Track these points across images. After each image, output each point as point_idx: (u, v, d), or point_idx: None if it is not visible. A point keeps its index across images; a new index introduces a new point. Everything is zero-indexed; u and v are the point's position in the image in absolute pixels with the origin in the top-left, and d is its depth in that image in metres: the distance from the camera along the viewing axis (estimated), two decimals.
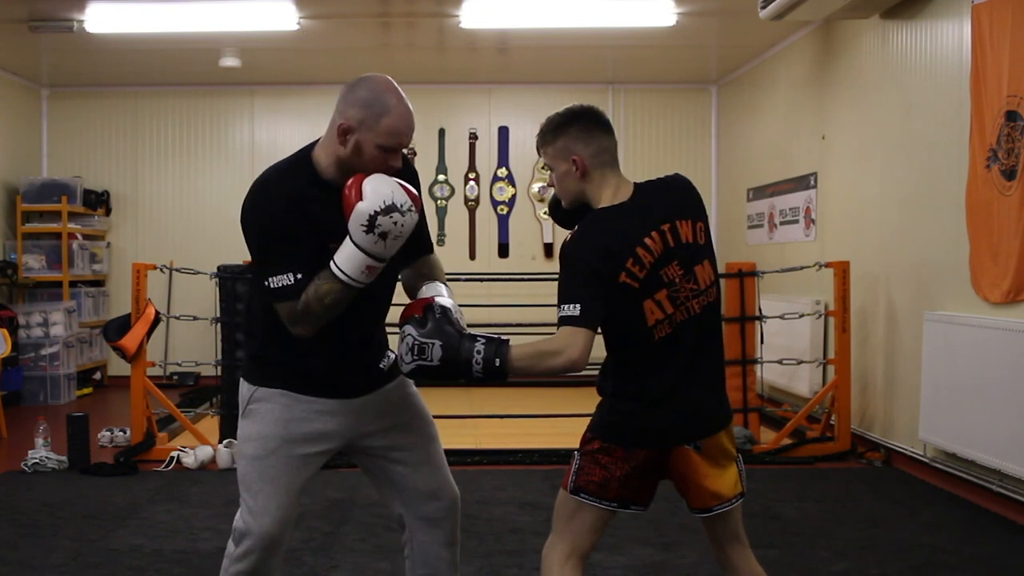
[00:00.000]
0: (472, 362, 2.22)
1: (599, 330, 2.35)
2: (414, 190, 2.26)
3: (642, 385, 2.34)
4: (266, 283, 2.27)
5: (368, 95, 2.27)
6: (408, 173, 2.41)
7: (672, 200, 2.39)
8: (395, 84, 2.32)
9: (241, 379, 2.48)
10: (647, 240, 2.30)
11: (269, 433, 2.37)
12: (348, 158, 2.28)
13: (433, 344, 2.22)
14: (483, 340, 2.24)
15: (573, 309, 2.23)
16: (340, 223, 2.22)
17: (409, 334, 2.24)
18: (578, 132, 2.39)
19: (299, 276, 2.23)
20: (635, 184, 2.41)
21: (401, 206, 2.19)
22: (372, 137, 2.25)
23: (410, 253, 2.47)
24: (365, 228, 2.17)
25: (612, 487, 2.36)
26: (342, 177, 2.28)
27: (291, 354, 2.37)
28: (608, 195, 2.37)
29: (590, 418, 2.46)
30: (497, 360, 2.22)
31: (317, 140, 2.38)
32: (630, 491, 2.38)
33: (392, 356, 2.46)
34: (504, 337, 2.28)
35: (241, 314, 6.04)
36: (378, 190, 2.19)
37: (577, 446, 2.45)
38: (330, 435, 2.42)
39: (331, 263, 2.21)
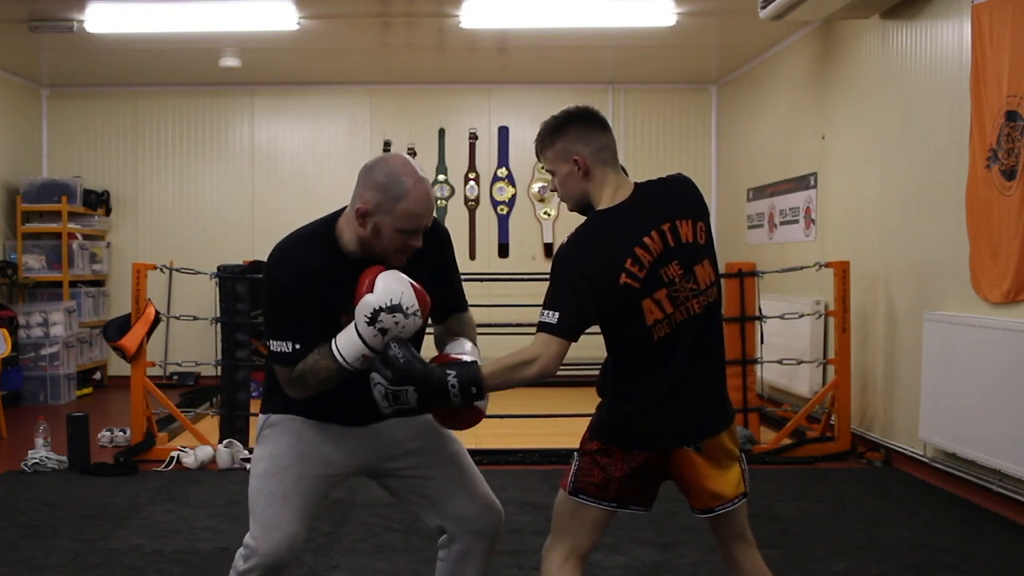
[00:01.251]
0: (450, 395, 2.24)
1: (601, 331, 2.35)
2: (425, 295, 2.27)
3: (642, 386, 2.33)
4: (268, 343, 2.36)
5: (384, 179, 2.27)
6: (436, 234, 2.44)
7: (673, 199, 2.38)
8: (413, 165, 2.32)
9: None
10: (646, 240, 2.30)
11: (281, 452, 2.40)
12: (368, 239, 2.30)
13: (406, 390, 2.24)
14: (453, 372, 2.24)
15: (551, 316, 2.25)
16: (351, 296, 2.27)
17: (379, 383, 2.25)
18: (577, 132, 2.38)
19: (298, 347, 2.31)
20: (635, 184, 2.40)
21: (407, 308, 2.23)
22: (391, 221, 2.27)
23: (442, 309, 2.50)
24: (367, 320, 2.21)
25: (612, 488, 2.36)
26: (364, 253, 2.32)
27: (305, 404, 2.42)
28: (608, 195, 2.36)
29: (590, 418, 2.46)
30: (473, 387, 2.24)
31: (344, 208, 2.39)
32: (630, 492, 2.37)
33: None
34: (469, 359, 2.31)
35: (242, 313, 6.05)
36: (389, 287, 2.22)
37: (577, 447, 2.44)
38: (342, 460, 2.44)
39: (332, 342, 2.26)
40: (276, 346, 2.34)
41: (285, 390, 2.36)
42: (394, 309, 2.21)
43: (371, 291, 2.22)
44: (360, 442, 2.45)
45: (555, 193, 2.49)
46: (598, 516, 2.40)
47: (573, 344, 2.29)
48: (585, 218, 2.40)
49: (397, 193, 2.25)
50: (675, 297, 2.32)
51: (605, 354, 2.43)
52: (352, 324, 2.24)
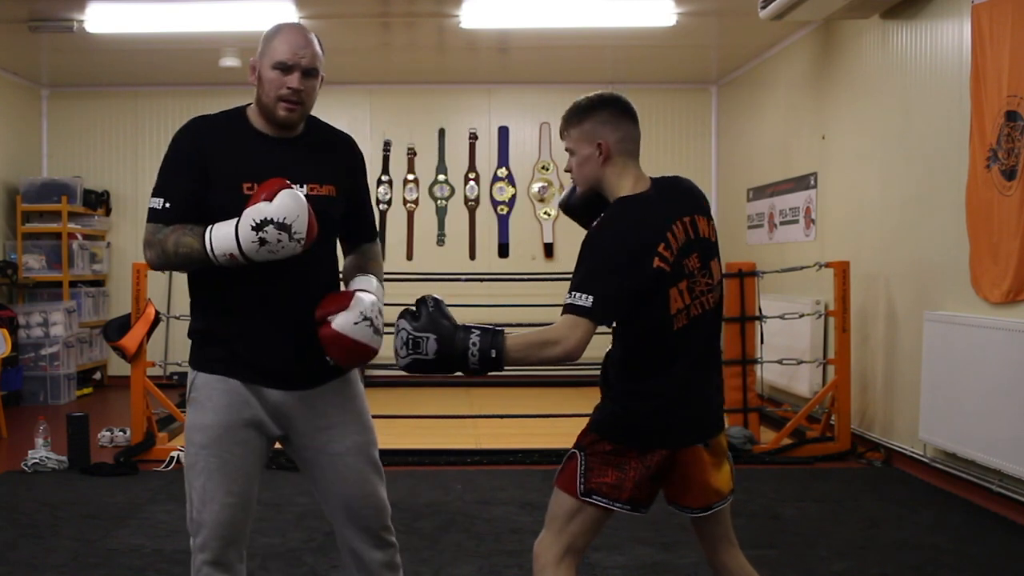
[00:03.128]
0: (468, 354, 2.20)
1: (617, 322, 2.32)
2: (315, 227, 2.26)
3: (658, 382, 2.32)
4: (148, 202, 2.37)
5: (267, 32, 2.40)
6: (352, 149, 2.51)
7: (688, 195, 2.42)
8: (298, 23, 2.42)
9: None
10: (675, 227, 2.31)
11: (211, 421, 2.36)
12: (257, 94, 2.36)
13: (428, 338, 2.20)
14: (478, 331, 2.22)
15: (584, 300, 2.19)
16: (259, 169, 2.29)
17: (403, 328, 2.22)
18: (606, 117, 2.38)
19: (168, 205, 2.31)
20: (651, 178, 2.41)
21: (294, 232, 2.20)
22: (266, 60, 2.34)
23: (352, 236, 2.52)
24: (253, 225, 2.18)
25: (627, 488, 2.32)
26: (266, 124, 2.37)
27: (228, 330, 2.37)
28: (628, 184, 2.36)
29: (592, 414, 2.42)
30: (493, 351, 2.19)
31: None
32: (644, 493, 2.35)
33: None
34: (499, 328, 2.26)
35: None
36: (287, 204, 2.20)
37: (575, 444, 2.40)
38: (268, 423, 2.40)
39: (208, 228, 2.24)
40: (151, 203, 2.34)
41: (144, 251, 2.34)
42: (283, 227, 2.18)
43: (269, 201, 2.20)
44: (283, 407, 2.39)
45: (561, 191, 2.47)
46: (602, 517, 2.36)
47: None
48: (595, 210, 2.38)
49: (273, 35, 2.36)
50: (692, 290, 2.32)
51: (603, 354, 2.43)
52: (234, 221, 2.21)
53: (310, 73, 2.35)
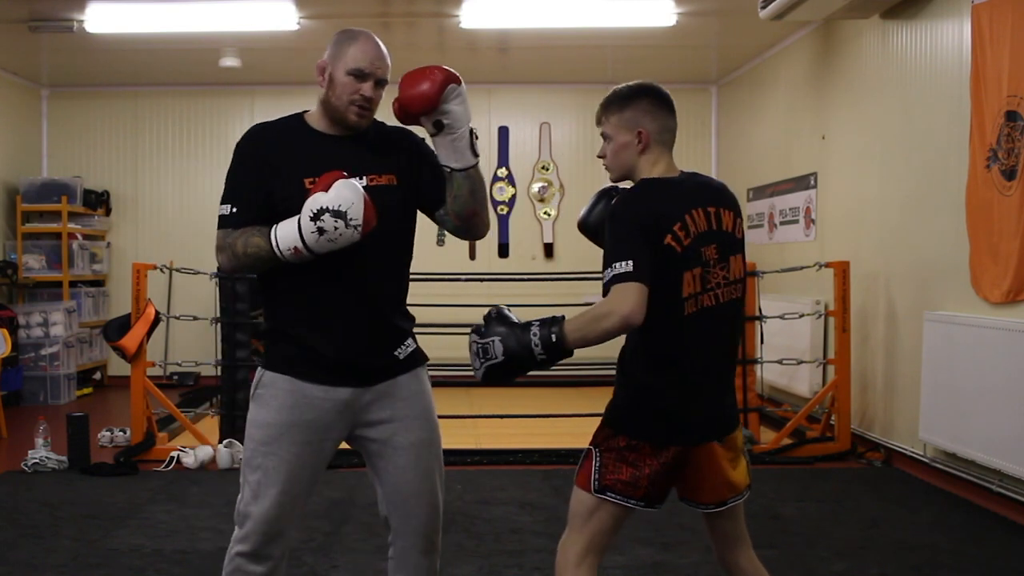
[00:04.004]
0: (532, 346, 2.25)
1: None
2: (374, 216, 2.28)
3: (671, 374, 2.31)
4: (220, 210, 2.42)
5: (341, 36, 2.42)
6: (409, 135, 2.54)
7: (717, 190, 2.44)
8: (371, 33, 2.44)
9: None
10: (694, 212, 2.33)
11: (273, 420, 2.38)
12: (326, 96, 2.40)
13: (493, 342, 2.28)
14: (538, 323, 2.27)
15: (625, 266, 2.19)
16: (318, 164, 2.32)
17: (472, 341, 2.32)
18: (648, 106, 2.39)
19: (235, 209, 2.37)
20: (682, 171, 2.43)
21: (351, 219, 2.24)
22: (341, 65, 2.37)
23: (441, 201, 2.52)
24: (312, 215, 2.24)
25: (641, 485, 2.31)
26: (329, 125, 2.42)
27: (298, 329, 2.39)
28: (659, 172, 2.39)
29: (605, 411, 2.40)
30: (553, 336, 2.23)
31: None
32: (658, 489, 2.34)
33: (411, 346, 2.48)
34: (558, 315, 2.30)
35: (242, 313, 6.06)
36: (342, 194, 2.25)
37: (591, 442, 2.38)
38: (334, 424, 2.41)
39: (274, 226, 2.29)
40: (221, 209, 2.39)
41: (216, 256, 2.39)
42: (339, 215, 2.23)
43: (325, 191, 2.25)
44: (352, 405, 2.41)
45: (602, 160, 2.45)
46: (620, 514, 2.35)
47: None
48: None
49: (349, 40, 2.39)
50: (706, 279, 2.32)
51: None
52: (296, 217, 2.26)
53: (381, 83, 2.41)
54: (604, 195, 2.59)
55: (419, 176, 2.49)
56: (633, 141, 2.37)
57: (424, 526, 2.48)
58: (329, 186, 2.25)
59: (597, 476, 2.33)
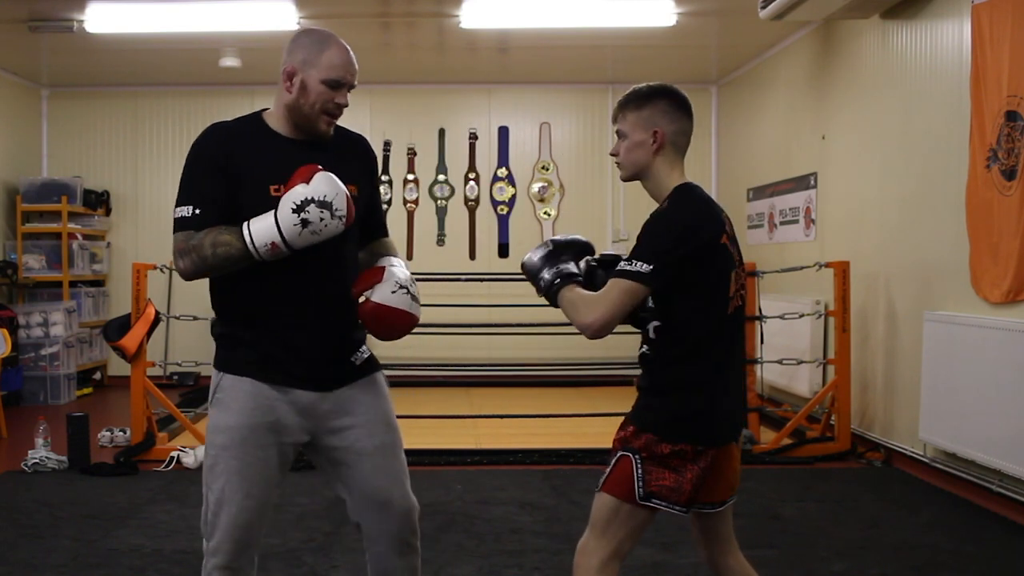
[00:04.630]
0: (542, 272, 2.36)
1: (669, 304, 2.30)
2: (353, 207, 2.30)
3: (716, 376, 2.32)
4: (174, 212, 2.34)
5: (308, 39, 2.37)
6: (364, 148, 2.53)
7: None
8: (335, 34, 2.41)
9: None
10: (725, 217, 2.36)
11: (235, 423, 2.34)
12: (295, 102, 2.34)
13: (542, 248, 2.41)
14: (567, 266, 2.35)
15: (642, 267, 2.21)
16: (284, 171, 2.27)
17: (546, 246, 2.41)
18: (667, 107, 2.38)
19: (198, 211, 2.29)
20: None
21: (336, 209, 2.23)
22: (315, 73, 2.32)
23: (366, 231, 2.54)
24: (294, 208, 2.20)
25: (685, 490, 2.29)
26: (291, 129, 2.37)
27: (256, 333, 2.36)
28: (677, 176, 2.39)
29: (636, 415, 2.35)
30: (557, 280, 2.33)
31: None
32: (696, 493, 2.33)
33: (366, 352, 2.47)
34: (576, 275, 2.36)
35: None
36: (324, 185, 2.23)
37: (622, 447, 2.33)
38: (295, 426, 2.38)
39: (245, 223, 2.24)
40: (178, 212, 2.31)
41: (176, 262, 2.30)
42: (324, 205, 2.21)
43: (306, 183, 2.22)
44: (313, 410, 2.39)
45: (614, 158, 2.44)
46: (650, 520, 2.34)
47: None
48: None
49: (321, 46, 2.33)
50: (737, 279, 2.35)
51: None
52: (271, 212, 2.22)
53: (351, 88, 2.39)
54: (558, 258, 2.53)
55: (369, 198, 2.51)
56: (648, 140, 2.36)
57: (399, 529, 2.45)
58: (309, 178, 2.22)
59: (641, 484, 2.28)
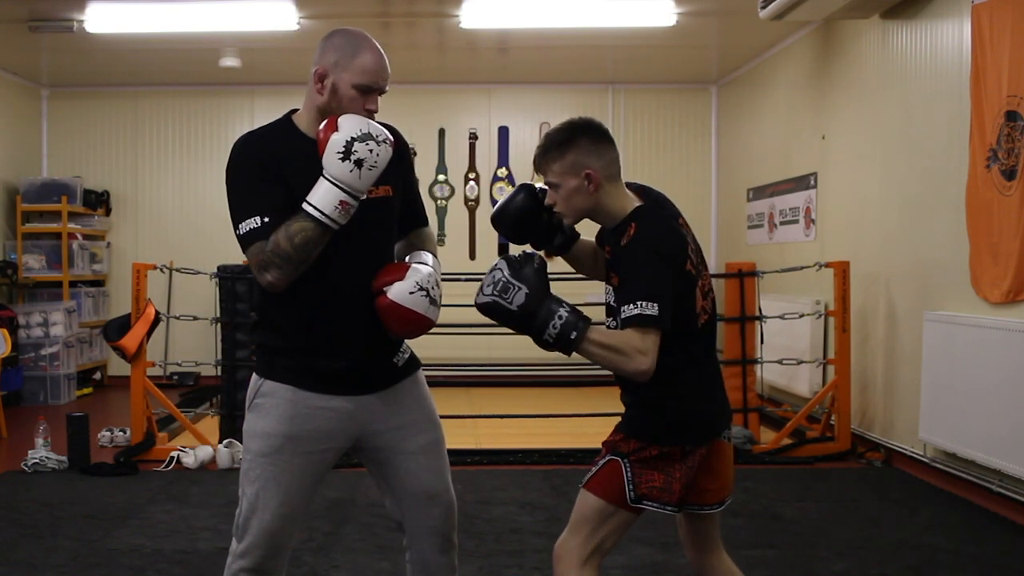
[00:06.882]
0: (549, 325, 2.17)
1: None
2: (388, 130, 2.26)
3: (690, 378, 2.33)
4: (237, 231, 2.25)
5: (342, 40, 2.32)
6: (399, 140, 2.43)
7: (666, 200, 2.41)
8: (369, 35, 2.36)
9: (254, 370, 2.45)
10: (682, 224, 2.34)
11: (273, 430, 2.33)
12: (326, 104, 2.30)
13: (520, 289, 2.18)
14: (568, 309, 2.19)
15: (651, 308, 2.15)
16: (318, 178, 2.22)
17: (500, 269, 2.21)
18: (588, 145, 2.31)
19: (267, 219, 2.21)
20: (627, 188, 2.39)
21: (377, 136, 2.20)
22: (347, 77, 2.27)
23: (405, 222, 2.49)
24: (341, 155, 2.15)
25: (675, 491, 2.31)
26: None
27: (299, 341, 2.34)
28: (628, 202, 2.34)
29: (626, 424, 2.37)
30: (574, 333, 2.16)
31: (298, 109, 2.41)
32: (686, 492, 2.34)
33: (407, 352, 2.46)
34: (587, 315, 2.23)
35: (242, 313, 6.05)
36: (353, 121, 2.20)
37: (610, 451, 2.35)
38: (337, 433, 2.37)
39: (304, 204, 2.19)
40: (244, 227, 2.22)
41: (261, 280, 2.22)
42: (366, 137, 2.17)
43: (336, 130, 2.18)
44: (355, 414, 2.38)
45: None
46: (633, 520, 2.35)
47: None
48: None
49: (354, 50, 2.28)
50: (703, 286, 2.34)
51: None
52: (318, 183, 2.18)
53: (383, 93, 2.36)
54: (525, 188, 2.52)
55: (405, 190, 2.48)
56: (583, 184, 2.29)
57: (442, 526, 2.46)
58: (335, 126, 2.18)
59: (632, 487, 2.29)
